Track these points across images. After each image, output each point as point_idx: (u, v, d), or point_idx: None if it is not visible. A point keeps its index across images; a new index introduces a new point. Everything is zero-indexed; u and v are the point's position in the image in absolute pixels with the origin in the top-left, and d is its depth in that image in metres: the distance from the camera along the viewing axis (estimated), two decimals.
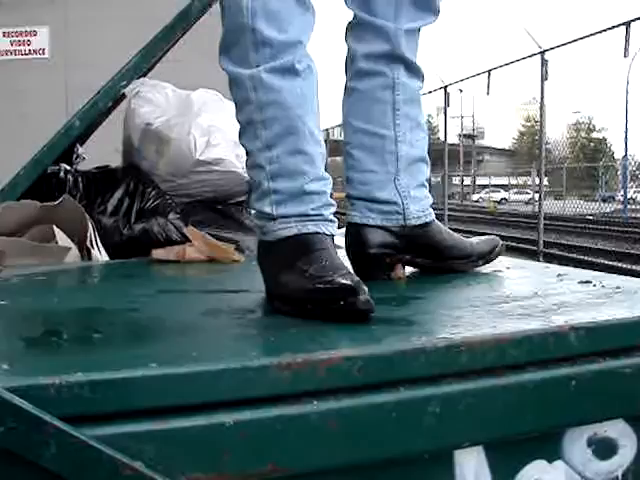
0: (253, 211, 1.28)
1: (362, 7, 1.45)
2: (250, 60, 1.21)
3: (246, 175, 1.39)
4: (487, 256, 1.54)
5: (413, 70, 1.48)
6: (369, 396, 0.86)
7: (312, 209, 1.21)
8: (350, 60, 1.49)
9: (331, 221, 1.24)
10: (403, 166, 1.46)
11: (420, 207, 1.48)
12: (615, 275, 1.50)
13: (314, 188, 1.23)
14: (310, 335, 0.98)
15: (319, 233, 1.20)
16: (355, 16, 1.47)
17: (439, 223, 1.52)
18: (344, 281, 1.06)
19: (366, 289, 1.04)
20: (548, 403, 0.97)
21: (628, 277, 1.46)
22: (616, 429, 1.03)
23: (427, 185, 1.52)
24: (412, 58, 1.47)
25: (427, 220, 1.48)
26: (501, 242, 1.59)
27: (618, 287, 1.31)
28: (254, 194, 1.27)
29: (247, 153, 1.27)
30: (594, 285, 1.33)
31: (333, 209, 1.25)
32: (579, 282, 1.36)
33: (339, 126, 24.84)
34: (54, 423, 0.71)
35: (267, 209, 1.22)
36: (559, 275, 1.45)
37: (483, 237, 1.59)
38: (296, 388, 0.83)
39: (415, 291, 1.30)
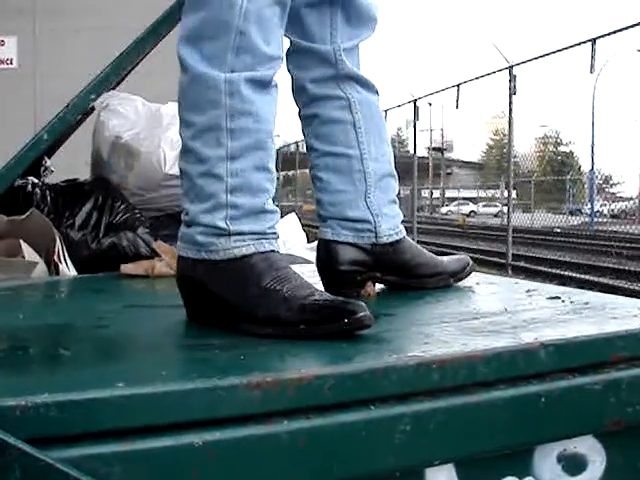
0: (195, 227, 1.17)
1: (297, 33, 1.43)
2: (226, 62, 1.15)
3: None
4: (458, 275, 1.54)
5: (364, 84, 1.47)
6: (340, 415, 0.86)
7: (268, 227, 1.18)
8: (299, 88, 1.46)
9: (278, 237, 1.21)
10: (372, 182, 1.45)
11: (391, 225, 1.48)
12: (583, 290, 1.51)
13: (271, 207, 1.19)
14: (279, 353, 0.98)
15: (274, 251, 1.17)
16: (292, 42, 1.45)
17: (410, 240, 1.52)
18: (341, 299, 1.07)
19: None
20: (518, 420, 0.97)
21: (596, 293, 1.48)
22: (586, 445, 1.04)
23: (397, 201, 1.52)
24: (359, 73, 1.46)
25: (398, 238, 1.48)
26: (471, 262, 1.60)
27: (586, 303, 1.32)
28: (200, 205, 1.16)
29: (195, 158, 1.17)
30: (563, 301, 1.34)
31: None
32: (548, 298, 1.37)
33: None
34: (18, 446, 0.70)
35: (220, 223, 1.14)
36: (528, 291, 1.46)
37: (454, 256, 1.60)
38: (266, 407, 0.83)
39: (385, 308, 1.30)
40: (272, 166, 1.20)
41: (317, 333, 1.04)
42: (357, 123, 1.45)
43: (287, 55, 1.46)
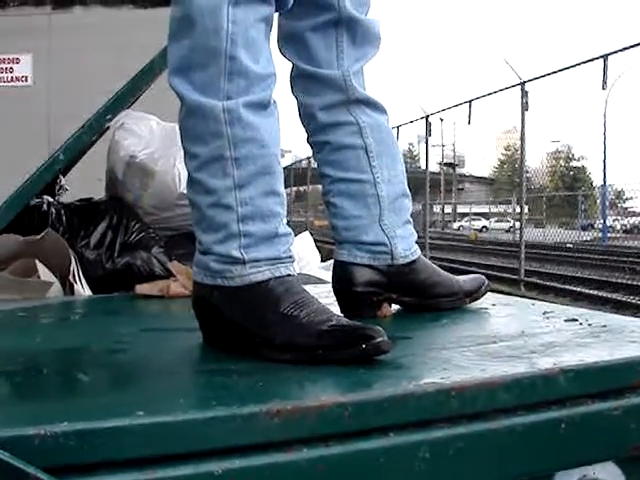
0: (209, 255, 1.16)
1: (302, 57, 1.42)
2: (221, 90, 1.13)
3: None
4: (474, 294, 1.54)
5: (373, 106, 1.46)
6: (359, 442, 0.85)
7: (283, 252, 1.16)
8: (308, 115, 1.45)
9: (294, 260, 1.20)
10: (386, 205, 1.45)
11: (407, 245, 1.47)
12: (600, 312, 1.50)
13: (284, 230, 1.18)
14: (298, 380, 0.97)
15: (290, 275, 1.16)
16: (296, 67, 1.43)
17: (425, 259, 1.52)
18: (358, 324, 1.06)
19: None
20: (538, 446, 0.96)
21: (614, 315, 1.47)
22: (606, 471, 1.03)
23: (411, 221, 1.52)
24: (368, 96, 1.45)
25: (413, 258, 1.48)
26: (487, 281, 1.59)
27: (604, 326, 1.31)
28: (213, 235, 1.15)
29: (203, 189, 1.15)
30: (580, 323, 1.33)
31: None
32: (565, 320, 1.36)
33: None
34: (38, 475, 0.69)
35: (235, 253, 1.13)
36: (545, 313, 1.45)
37: (470, 275, 1.59)
38: (286, 435, 0.82)
39: (402, 331, 1.29)
40: (281, 189, 1.19)
41: (335, 358, 1.03)
42: (368, 147, 1.44)
43: (293, 79, 1.46)
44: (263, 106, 1.17)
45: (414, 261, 1.48)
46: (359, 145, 1.44)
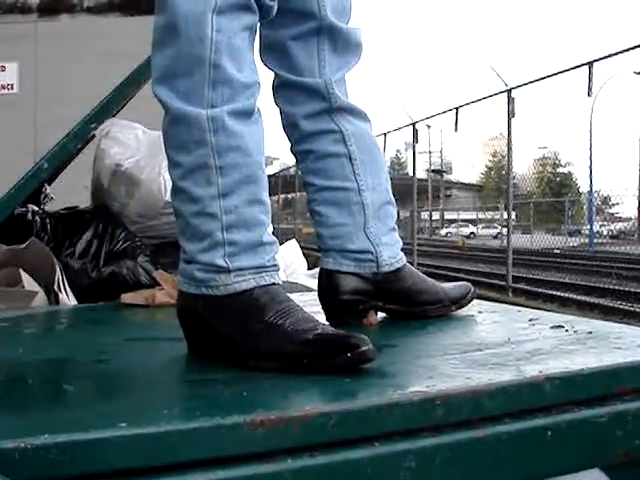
0: (194, 264, 1.15)
1: (284, 66, 1.42)
2: (205, 98, 1.12)
3: None
4: (460, 302, 1.53)
5: (356, 114, 1.46)
6: (344, 452, 0.85)
7: (268, 260, 1.16)
8: (291, 125, 1.45)
9: (279, 269, 1.20)
10: (371, 213, 1.45)
11: (392, 253, 1.47)
12: (586, 319, 1.50)
13: (269, 238, 1.17)
14: (283, 389, 0.97)
15: (275, 284, 1.15)
16: (278, 76, 1.43)
17: (411, 267, 1.52)
18: (344, 333, 1.06)
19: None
20: (524, 454, 0.96)
21: (599, 321, 1.47)
22: (592, 478, 1.03)
23: (396, 228, 1.52)
24: (350, 103, 1.45)
25: (399, 265, 1.47)
26: (473, 288, 1.58)
27: (590, 332, 1.31)
28: (197, 244, 1.14)
29: (187, 197, 1.15)
30: (566, 330, 1.33)
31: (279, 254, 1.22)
32: (551, 327, 1.36)
33: None
34: None
35: (219, 262, 1.13)
36: (531, 320, 1.45)
37: (456, 283, 1.59)
38: (270, 446, 0.82)
39: (388, 339, 1.29)
40: (266, 197, 1.19)
41: (320, 367, 1.03)
42: (352, 155, 1.44)
43: (275, 89, 1.45)
44: (247, 114, 1.16)
45: (400, 269, 1.47)
46: (343, 153, 1.44)
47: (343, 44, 1.43)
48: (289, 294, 1.18)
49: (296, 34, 1.39)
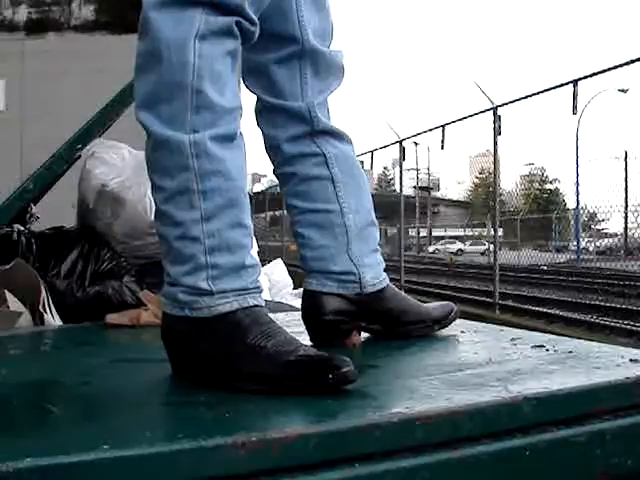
0: (177, 287, 1.16)
1: (266, 90, 1.43)
2: (187, 122, 1.13)
3: None
4: (442, 321, 1.55)
5: (338, 137, 1.47)
6: (324, 473, 0.86)
7: (250, 282, 1.17)
8: (274, 147, 1.46)
9: (261, 291, 1.20)
10: (354, 235, 1.46)
11: (375, 274, 1.48)
12: (567, 338, 1.52)
13: (251, 261, 1.18)
14: (264, 410, 0.97)
15: (258, 306, 1.16)
16: (261, 99, 1.45)
17: (393, 287, 1.53)
18: (325, 354, 1.07)
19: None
20: (503, 474, 0.97)
21: (580, 340, 1.48)
22: None
23: (379, 249, 1.53)
24: (332, 126, 1.46)
25: (382, 286, 1.49)
26: (456, 308, 1.59)
27: (570, 352, 1.32)
28: (180, 267, 1.15)
29: (170, 221, 1.16)
30: (547, 350, 1.34)
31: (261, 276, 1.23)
32: (532, 346, 1.38)
33: None
34: None
35: (203, 285, 1.14)
36: (513, 339, 1.46)
37: (439, 303, 1.60)
38: (251, 467, 0.83)
39: (370, 359, 1.30)
40: (248, 221, 1.19)
41: (302, 388, 1.04)
42: (335, 177, 1.45)
43: (257, 112, 1.46)
44: (230, 138, 1.17)
45: (383, 289, 1.49)
46: (325, 176, 1.45)
47: (325, 67, 1.45)
48: (275, 314, 1.19)
49: (278, 58, 1.41)
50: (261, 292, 1.20)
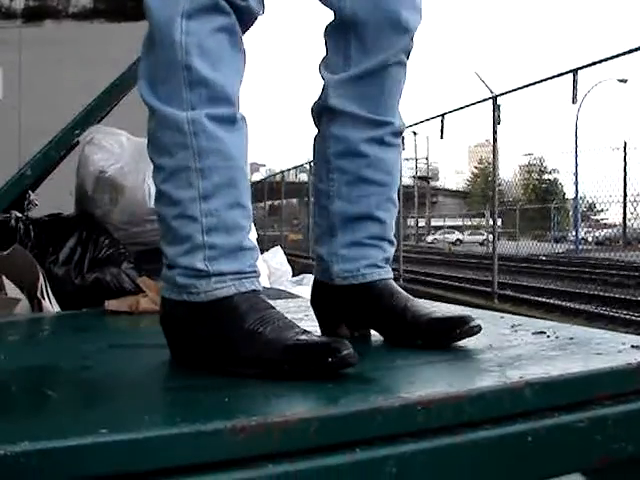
0: (175, 269, 1.15)
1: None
2: (184, 100, 1.14)
3: None
4: (440, 337, 1.26)
5: (356, 119, 1.36)
6: (325, 458, 0.85)
7: (248, 265, 1.16)
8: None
9: (259, 275, 1.19)
10: (338, 222, 1.39)
11: (349, 267, 1.37)
12: (568, 325, 1.51)
13: (249, 244, 1.17)
14: (264, 395, 0.97)
15: (255, 290, 1.15)
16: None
17: (392, 288, 1.37)
18: (325, 339, 1.07)
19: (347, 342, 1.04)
20: (505, 459, 0.96)
21: (581, 327, 1.48)
22: None
23: (374, 244, 1.39)
24: (347, 107, 1.36)
25: (355, 282, 1.36)
26: (470, 323, 1.27)
27: (571, 338, 1.32)
28: (178, 247, 1.15)
29: (169, 201, 1.16)
30: (548, 336, 1.34)
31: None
32: (533, 333, 1.37)
33: (295, 168, 24.96)
34: None
35: (199, 265, 1.13)
36: (513, 326, 1.46)
37: (447, 312, 1.34)
38: (251, 452, 0.82)
39: (371, 345, 1.29)
40: (247, 202, 1.18)
41: (302, 373, 1.03)
42: (328, 158, 1.39)
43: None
44: (230, 121, 1.16)
45: (364, 285, 1.36)
46: (323, 153, 1.41)
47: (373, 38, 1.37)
48: (274, 301, 1.18)
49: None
50: (258, 276, 1.18)
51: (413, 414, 0.90)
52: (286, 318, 1.12)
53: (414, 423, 0.90)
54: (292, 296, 2.09)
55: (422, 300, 1.39)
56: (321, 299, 1.42)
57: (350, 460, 0.86)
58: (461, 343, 1.26)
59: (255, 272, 1.17)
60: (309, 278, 4.23)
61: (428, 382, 1.01)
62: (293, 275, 3.25)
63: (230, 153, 1.15)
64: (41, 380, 1.11)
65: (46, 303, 1.96)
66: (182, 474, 0.78)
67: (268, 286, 2.58)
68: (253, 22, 1.24)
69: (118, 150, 2.42)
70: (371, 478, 0.87)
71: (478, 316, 1.61)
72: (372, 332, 1.38)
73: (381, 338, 1.35)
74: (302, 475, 0.83)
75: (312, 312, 1.45)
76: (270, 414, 0.85)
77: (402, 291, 1.37)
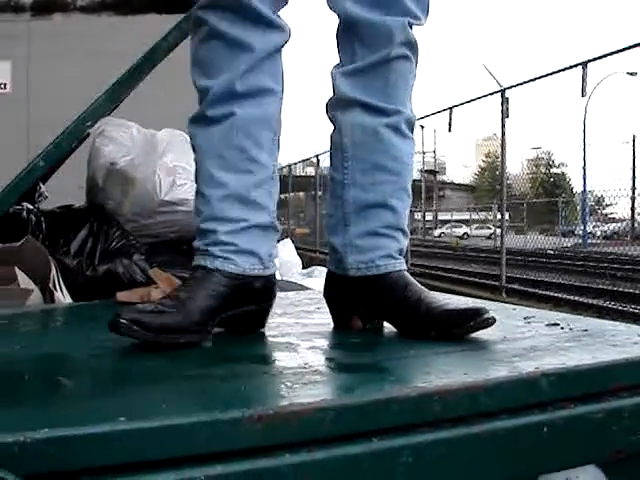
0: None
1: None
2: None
3: None
4: (454, 329, 1.25)
5: (369, 108, 1.36)
6: (341, 447, 0.85)
7: (204, 244, 1.32)
8: None
9: (216, 257, 1.30)
10: (352, 211, 1.38)
11: (362, 258, 1.37)
12: (581, 317, 1.51)
13: (206, 226, 1.32)
14: (281, 384, 0.97)
15: (203, 267, 1.30)
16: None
17: (405, 279, 1.36)
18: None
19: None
20: (520, 450, 0.96)
21: (594, 319, 1.47)
22: (588, 474, 1.03)
23: (388, 235, 1.37)
24: (358, 95, 1.36)
25: (369, 273, 1.36)
26: (485, 315, 1.25)
27: (585, 330, 1.31)
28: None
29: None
30: (562, 328, 1.34)
31: (225, 247, 1.30)
32: (547, 325, 1.37)
33: (302, 161, 24.92)
34: None
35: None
36: (526, 318, 1.45)
37: (463, 304, 1.35)
38: (268, 441, 0.82)
39: (385, 335, 1.29)
40: (208, 189, 1.35)
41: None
42: (343, 147, 1.39)
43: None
44: (200, 119, 1.35)
45: (378, 277, 1.35)
46: (337, 142, 1.41)
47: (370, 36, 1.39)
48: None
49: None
50: (211, 255, 1.32)
51: (430, 404, 0.90)
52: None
53: (431, 413, 0.90)
54: (303, 288, 2.09)
55: (435, 292, 1.39)
56: (335, 291, 1.42)
57: (366, 450, 0.86)
58: (475, 335, 1.26)
59: (207, 251, 1.32)
60: (320, 270, 4.22)
61: (443, 372, 1.01)
62: (302, 267, 3.25)
63: (201, 148, 1.38)
64: (57, 369, 1.11)
65: (58, 294, 1.97)
66: (200, 462, 0.78)
67: (278, 277, 2.57)
68: None
69: (129, 142, 2.42)
70: (387, 468, 0.87)
71: (490, 308, 1.62)
72: (385, 324, 1.38)
73: (394, 330, 1.34)
74: (319, 464, 0.83)
75: (324, 304, 1.45)
76: (287, 403, 0.85)
77: (416, 282, 1.36)
